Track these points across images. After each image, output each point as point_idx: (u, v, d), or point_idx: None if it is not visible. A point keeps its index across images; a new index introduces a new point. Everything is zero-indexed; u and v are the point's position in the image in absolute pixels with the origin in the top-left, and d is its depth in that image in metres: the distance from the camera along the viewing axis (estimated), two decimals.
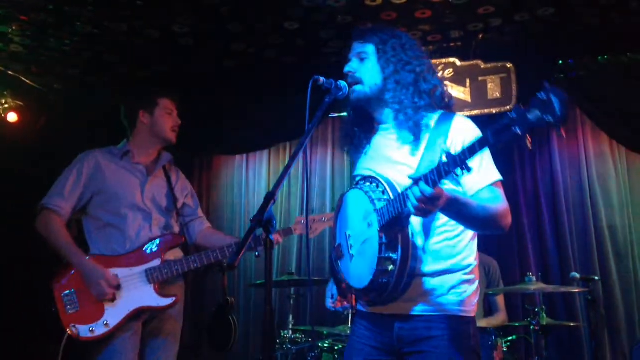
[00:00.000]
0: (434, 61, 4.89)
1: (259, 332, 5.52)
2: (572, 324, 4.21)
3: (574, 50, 4.68)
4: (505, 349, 3.65)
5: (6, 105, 5.24)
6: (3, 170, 5.09)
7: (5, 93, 5.25)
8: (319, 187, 5.55)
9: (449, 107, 2.07)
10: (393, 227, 1.82)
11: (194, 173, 5.99)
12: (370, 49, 2.08)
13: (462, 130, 1.93)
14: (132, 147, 3.13)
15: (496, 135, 1.51)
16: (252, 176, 5.97)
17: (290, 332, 4.21)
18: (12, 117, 5.25)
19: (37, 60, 5.09)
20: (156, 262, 2.92)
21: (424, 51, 2.15)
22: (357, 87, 2.05)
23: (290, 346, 4.02)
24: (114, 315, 2.82)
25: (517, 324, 4.12)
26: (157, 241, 2.99)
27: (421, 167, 1.86)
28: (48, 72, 5.30)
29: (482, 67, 4.87)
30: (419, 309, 1.90)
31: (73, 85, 5.42)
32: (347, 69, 2.10)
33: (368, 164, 2.09)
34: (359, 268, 1.93)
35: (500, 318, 4.23)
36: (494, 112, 4.78)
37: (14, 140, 5.17)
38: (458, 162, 1.59)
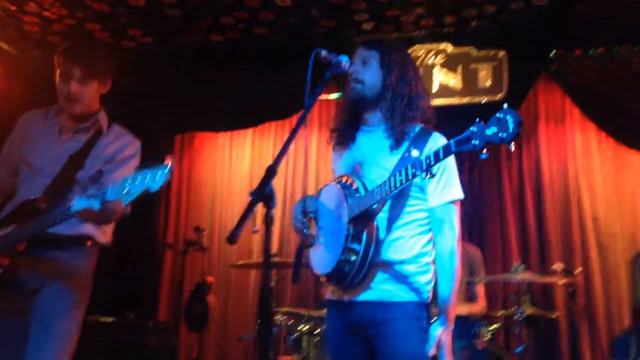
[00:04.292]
0: (426, 46, 4.89)
1: (237, 312, 5.46)
2: (554, 315, 4.23)
3: (567, 42, 4.66)
4: (487, 338, 3.63)
5: None
6: None
7: None
8: (303, 168, 5.51)
9: (430, 122, 2.23)
10: (360, 220, 2.01)
11: (175, 149, 5.88)
12: (374, 55, 2.20)
13: (436, 146, 2.10)
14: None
15: (458, 144, 1.74)
16: (235, 156, 5.87)
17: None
18: None
19: (16, 25, 4.89)
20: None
21: (418, 69, 2.34)
22: (358, 86, 2.17)
23: None
24: None
25: (499, 314, 4.11)
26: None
27: (395, 171, 2.02)
28: (27, 39, 5.10)
29: (475, 54, 4.82)
30: (376, 295, 2.06)
31: (53, 53, 5.22)
32: (350, 70, 2.17)
33: (348, 162, 2.24)
34: (325, 256, 2.13)
35: (480, 305, 4.24)
36: (484, 100, 4.74)
37: None
38: (424, 166, 1.81)
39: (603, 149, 4.94)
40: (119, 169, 2.60)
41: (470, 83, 4.83)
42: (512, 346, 4.03)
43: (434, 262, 2.14)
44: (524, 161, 5.03)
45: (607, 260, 4.75)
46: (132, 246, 5.11)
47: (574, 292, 4.10)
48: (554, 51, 4.64)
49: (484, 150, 1.67)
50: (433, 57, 4.91)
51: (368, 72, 2.17)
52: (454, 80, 4.87)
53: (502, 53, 4.78)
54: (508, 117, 1.62)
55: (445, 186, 2.10)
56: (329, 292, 2.24)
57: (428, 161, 1.80)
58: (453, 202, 2.10)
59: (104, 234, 2.67)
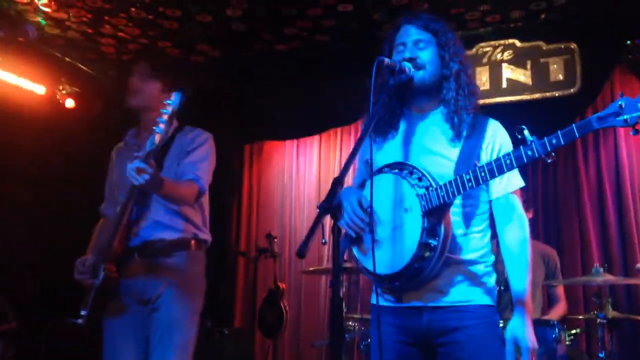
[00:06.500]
0: (492, 42, 4.78)
1: (309, 317, 5.51)
2: (638, 317, 4.02)
3: None
4: (568, 343, 3.50)
5: (63, 92, 5.34)
6: (61, 155, 5.20)
7: (62, 79, 5.34)
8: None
9: (477, 109, 2.07)
10: (435, 213, 1.82)
11: (244, 159, 6.02)
12: (429, 37, 2.02)
13: (499, 133, 2.01)
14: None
15: (600, 121, 1.55)
16: (302, 163, 5.94)
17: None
18: (70, 103, 5.35)
19: (93, 47, 5.17)
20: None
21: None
22: (419, 73, 1.98)
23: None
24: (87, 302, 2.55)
25: (580, 317, 3.95)
26: None
27: (460, 162, 1.90)
28: (103, 59, 5.38)
29: (545, 48, 4.67)
30: (448, 300, 1.88)
31: (127, 72, 5.48)
32: (409, 54, 2.00)
33: (399, 150, 2.03)
34: (389, 253, 1.87)
35: (561, 307, 4.10)
36: (557, 95, 4.58)
37: (72, 126, 5.27)
38: (547, 147, 1.59)
39: None
40: (191, 154, 2.68)
41: (541, 78, 4.68)
42: (595, 351, 3.85)
43: (494, 263, 2.00)
44: (602, 156, 4.80)
45: None
46: (207, 255, 5.26)
47: None
48: (629, 40, 4.42)
49: (637, 127, 1.49)
50: (500, 53, 4.80)
51: (428, 57, 1.99)
52: (523, 76, 4.73)
53: (573, 45, 4.61)
54: None
55: (511, 174, 1.92)
56: (382, 297, 1.98)
57: (555, 141, 1.58)
58: (515, 191, 1.97)
59: (204, 232, 2.75)
